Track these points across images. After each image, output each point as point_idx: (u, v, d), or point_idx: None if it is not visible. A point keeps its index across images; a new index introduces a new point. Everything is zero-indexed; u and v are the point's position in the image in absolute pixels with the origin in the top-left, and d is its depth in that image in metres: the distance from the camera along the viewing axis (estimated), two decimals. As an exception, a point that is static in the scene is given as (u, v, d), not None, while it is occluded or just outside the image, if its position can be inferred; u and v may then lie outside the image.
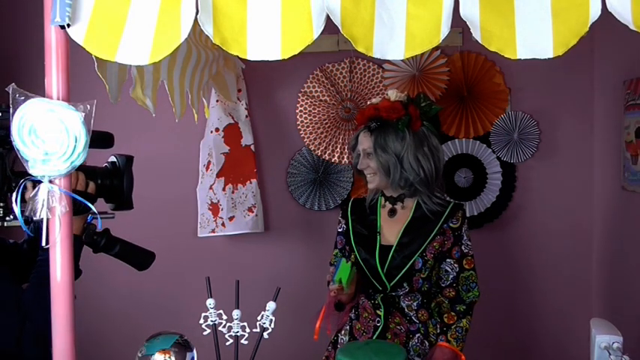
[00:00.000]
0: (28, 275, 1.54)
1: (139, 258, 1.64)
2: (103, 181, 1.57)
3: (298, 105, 3.00)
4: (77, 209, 1.45)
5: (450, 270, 2.03)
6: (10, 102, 1.21)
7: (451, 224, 2.04)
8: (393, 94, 2.10)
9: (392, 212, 2.11)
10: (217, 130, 2.91)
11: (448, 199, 2.12)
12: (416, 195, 2.07)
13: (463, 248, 2.04)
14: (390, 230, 2.08)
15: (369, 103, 2.17)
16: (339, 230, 2.21)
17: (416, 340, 2.04)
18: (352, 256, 2.11)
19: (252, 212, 2.91)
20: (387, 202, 2.12)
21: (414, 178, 2.02)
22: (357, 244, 2.11)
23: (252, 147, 2.95)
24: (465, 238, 2.04)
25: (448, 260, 2.03)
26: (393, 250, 2.03)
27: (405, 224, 2.06)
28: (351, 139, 2.20)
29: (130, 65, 1.57)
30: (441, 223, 2.04)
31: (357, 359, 1.60)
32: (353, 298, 2.06)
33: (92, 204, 1.49)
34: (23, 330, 1.47)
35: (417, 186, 2.04)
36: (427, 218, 2.05)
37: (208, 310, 1.52)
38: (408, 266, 2.00)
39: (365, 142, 2.08)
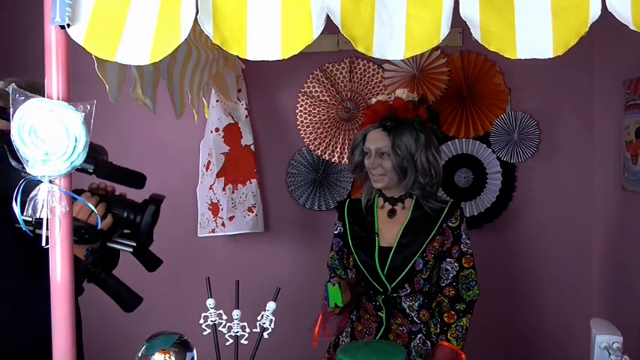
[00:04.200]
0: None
1: (126, 299, 1.69)
2: (129, 215, 1.58)
3: (298, 105, 3.00)
4: (81, 238, 1.47)
5: (450, 269, 2.03)
6: (10, 102, 1.21)
7: (450, 223, 2.04)
8: (404, 94, 2.05)
9: (392, 213, 2.10)
10: (217, 130, 2.91)
11: (447, 198, 2.12)
12: (416, 195, 2.07)
13: (462, 247, 2.04)
14: (389, 231, 2.07)
15: (375, 100, 2.11)
16: (335, 232, 2.19)
17: (418, 341, 2.04)
18: (350, 259, 2.10)
19: (252, 212, 2.91)
20: (387, 203, 2.11)
21: (424, 180, 2.02)
22: (356, 246, 2.09)
23: (252, 147, 2.95)
24: (464, 236, 2.04)
25: (448, 260, 2.03)
26: (392, 251, 2.02)
27: (404, 225, 2.05)
28: (356, 135, 2.13)
29: (130, 65, 1.57)
30: (440, 223, 2.04)
31: (357, 359, 1.60)
32: (352, 302, 2.04)
33: (101, 236, 1.53)
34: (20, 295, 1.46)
35: (428, 187, 2.04)
36: (426, 218, 2.05)
37: (208, 310, 1.52)
38: (408, 267, 2.00)
39: (380, 141, 2.03)
